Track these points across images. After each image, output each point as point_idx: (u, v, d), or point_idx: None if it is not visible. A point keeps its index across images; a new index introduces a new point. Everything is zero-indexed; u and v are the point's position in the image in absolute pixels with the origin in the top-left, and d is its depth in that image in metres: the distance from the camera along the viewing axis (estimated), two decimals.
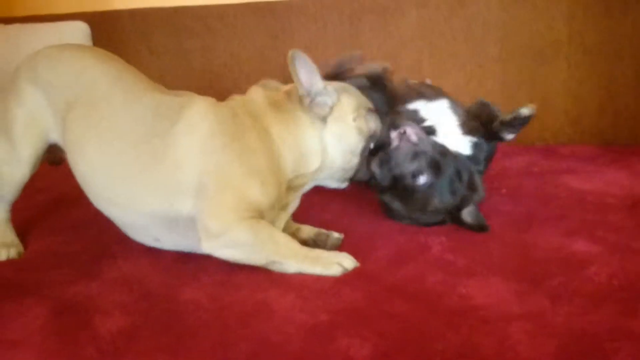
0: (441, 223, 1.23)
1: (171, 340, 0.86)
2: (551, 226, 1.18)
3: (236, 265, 1.08)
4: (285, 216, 1.19)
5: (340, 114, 1.15)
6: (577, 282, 0.95)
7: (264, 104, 1.15)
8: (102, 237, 1.26)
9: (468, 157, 1.27)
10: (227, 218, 1.03)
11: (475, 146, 1.28)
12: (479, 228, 1.18)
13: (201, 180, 1.05)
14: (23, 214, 1.43)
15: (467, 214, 1.20)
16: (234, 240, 1.03)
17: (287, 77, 1.12)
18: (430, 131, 1.28)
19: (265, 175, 1.08)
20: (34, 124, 1.19)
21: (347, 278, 1.01)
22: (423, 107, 1.34)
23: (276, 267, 1.05)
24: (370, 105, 1.22)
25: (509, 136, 1.27)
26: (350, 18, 1.90)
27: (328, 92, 1.14)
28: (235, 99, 1.19)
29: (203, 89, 1.47)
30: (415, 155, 1.18)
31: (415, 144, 1.19)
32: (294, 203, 1.21)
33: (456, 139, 1.28)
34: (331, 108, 1.15)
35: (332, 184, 1.23)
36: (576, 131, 1.79)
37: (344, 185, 1.24)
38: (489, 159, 1.33)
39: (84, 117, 1.14)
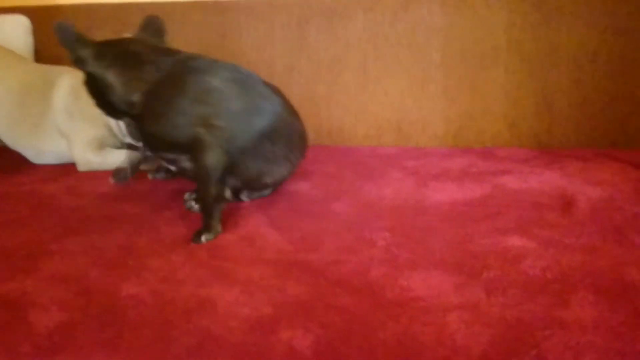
0: None
1: (111, 335, 0.85)
2: (488, 223, 1.22)
3: (179, 261, 1.07)
4: None
5: None
6: (512, 275, 0.98)
7: None
8: (39, 234, 1.22)
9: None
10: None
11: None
12: None
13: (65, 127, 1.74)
14: None
15: None
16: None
17: None
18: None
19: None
20: None
21: (293, 273, 1.02)
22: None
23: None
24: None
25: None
26: (298, 20, 1.91)
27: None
28: None
29: None
30: None
31: None
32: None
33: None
34: None
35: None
36: (513, 134, 1.86)
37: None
38: None
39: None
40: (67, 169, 1.73)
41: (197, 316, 0.88)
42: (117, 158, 1.66)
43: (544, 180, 1.49)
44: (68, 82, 1.75)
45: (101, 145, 1.73)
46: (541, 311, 0.87)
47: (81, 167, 1.72)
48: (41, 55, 2.15)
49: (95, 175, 1.66)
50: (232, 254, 1.11)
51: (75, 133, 1.72)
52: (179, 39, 1.81)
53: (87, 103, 1.55)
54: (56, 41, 2.10)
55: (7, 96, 1.77)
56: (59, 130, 1.75)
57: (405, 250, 1.09)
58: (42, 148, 1.78)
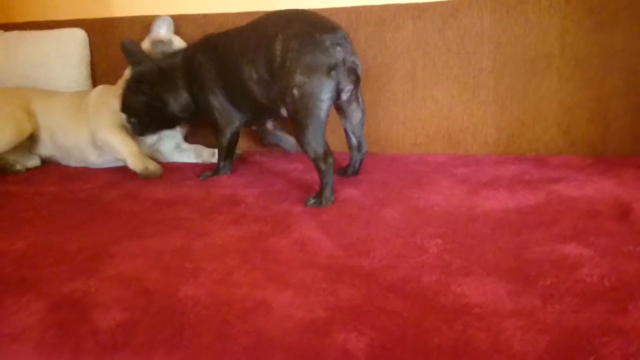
0: None
1: (170, 334, 0.87)
2: (543, 231, 1.20)
3: (234, 265, 1.10)
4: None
5: None
6: (569, 283, 0.97)
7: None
8: (99, 237, 1.27)
9: None
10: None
11: None
12: None
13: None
14: (23, 213, 1.45)
15: None
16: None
17: None
18: None
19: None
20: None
21: (344, 277, 1.03)
22: None
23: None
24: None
25: None
26: (347, 29, 1.92)
27: None
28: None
29: None
30: None
31: None
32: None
33: None
34: None
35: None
36: (567, 142, 1.82)
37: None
38: None
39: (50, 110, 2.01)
40: (126, 175, 1.79)
41: (253, 317, 0.90)
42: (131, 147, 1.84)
43: (600, 189, 1.45)
44: (99, 88, 2.00)
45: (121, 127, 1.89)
46: (599, 318, 0.86)
47: (105, 147, 1.89)
48: (97, 67, 2.24)
49: (152, 181, 1.71)
50: (285, 258, 1.13)
51: (99, 120, 1.91)
52: None
53: (113, 96, 1.91)
54: (111, 53, 2.20)
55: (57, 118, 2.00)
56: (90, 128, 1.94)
57: (457, 257, 1.09)
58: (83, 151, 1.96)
